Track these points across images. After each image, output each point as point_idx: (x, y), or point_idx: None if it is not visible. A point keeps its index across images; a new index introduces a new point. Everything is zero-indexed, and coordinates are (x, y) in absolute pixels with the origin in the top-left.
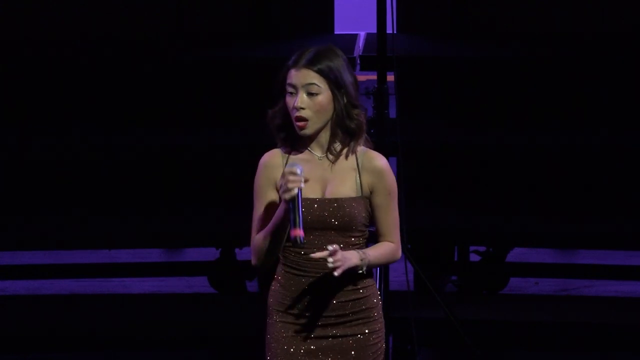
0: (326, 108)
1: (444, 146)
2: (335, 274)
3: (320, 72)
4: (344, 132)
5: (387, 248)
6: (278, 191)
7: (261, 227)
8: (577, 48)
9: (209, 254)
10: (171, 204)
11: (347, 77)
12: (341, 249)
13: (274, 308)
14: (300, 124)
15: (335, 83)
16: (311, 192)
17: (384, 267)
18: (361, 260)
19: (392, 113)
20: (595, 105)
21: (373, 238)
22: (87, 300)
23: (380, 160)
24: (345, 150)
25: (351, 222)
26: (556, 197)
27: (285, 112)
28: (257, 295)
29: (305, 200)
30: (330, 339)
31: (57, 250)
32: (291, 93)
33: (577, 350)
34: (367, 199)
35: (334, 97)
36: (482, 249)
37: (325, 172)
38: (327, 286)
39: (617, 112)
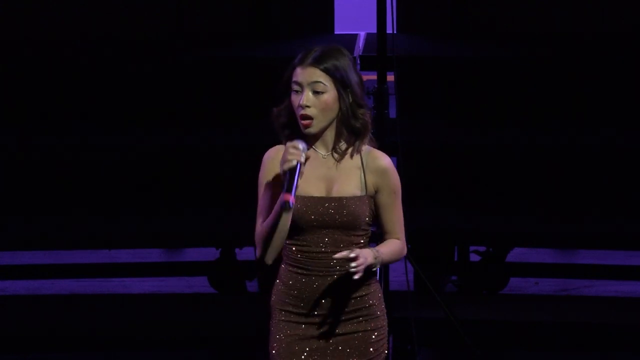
0: (331, 107)
1: (444, 146)
2: (356, 277)
3: (326, 71)
4: (349, 131)
5: (396, 245)
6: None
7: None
8: (577, 48)
9: (209, 254)
10: (171, 204)
11: (353, 77)
12: (344, 248)
13: (277, 307)
14: (305, 122)
15: (341, 82)
16: (316, 190)
17: (384, 267)
18: (375, 258)
19: (392, 113)
20: (595, 105)
21: (374, 238)
22: (87, 300)
23: (384, 160)
24: (350, 150)
25: (355, 221)
26: (556, 197)
27: (290, 110)
28: (257, 295)
29: (309, 198)
30: (333, 336)
31: (57, 250)
32: (297, 91)
33: (577, 350)
34: (372, 198)
35: (340, 96)
36: (482, 249)
37: (329, 170)
38: (330, 284)
39: (617, 112)
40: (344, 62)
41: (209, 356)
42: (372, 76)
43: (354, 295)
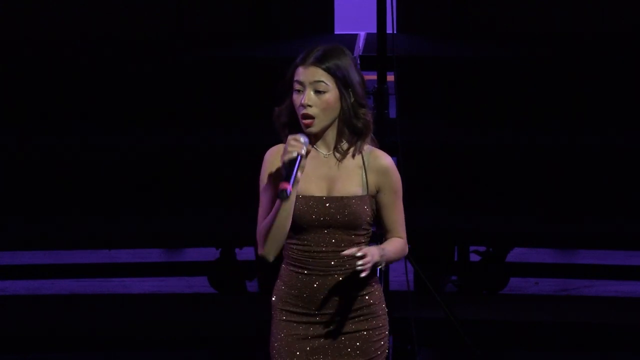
0: (333, 106)
1: (444, 146)
2: (362, 274)
3: (328, 70)
4: (350, 131)
5: (399, 244)
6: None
7: None
8: (577, 48)
9: (209, 254)
10: (171, 204)
11: (355, 77)
12: (345, 247)
13: (278, 306)
14: (307, 121)
15: (342, 81)
16: (317, 190)
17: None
18: (381, 257)
19: (392, 113)
20: (595, 105)
21: (375, 238)
22: (87, 300)
23: (386, 159)
24: (351, 149)
25: (356, 220)
26: (556, 197)
27: (292, 110)
28: (257, 295)
29: (311, 198)
30: (334, 335)
31: (57, 250)
32: (298, 90)
33: (577, 350)
34: (373, 198)
35: (341, 96)
36: (482, 249)
37: (331, 170)
38: (331, 284)
39: (617, 112)
40: (345, 62)
41: (209, 356)
42: (372, 76)
43: (354, 295)
